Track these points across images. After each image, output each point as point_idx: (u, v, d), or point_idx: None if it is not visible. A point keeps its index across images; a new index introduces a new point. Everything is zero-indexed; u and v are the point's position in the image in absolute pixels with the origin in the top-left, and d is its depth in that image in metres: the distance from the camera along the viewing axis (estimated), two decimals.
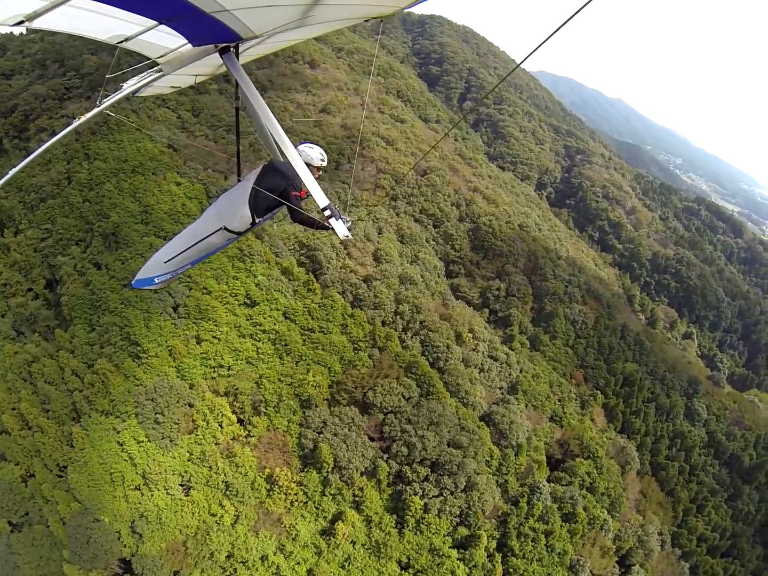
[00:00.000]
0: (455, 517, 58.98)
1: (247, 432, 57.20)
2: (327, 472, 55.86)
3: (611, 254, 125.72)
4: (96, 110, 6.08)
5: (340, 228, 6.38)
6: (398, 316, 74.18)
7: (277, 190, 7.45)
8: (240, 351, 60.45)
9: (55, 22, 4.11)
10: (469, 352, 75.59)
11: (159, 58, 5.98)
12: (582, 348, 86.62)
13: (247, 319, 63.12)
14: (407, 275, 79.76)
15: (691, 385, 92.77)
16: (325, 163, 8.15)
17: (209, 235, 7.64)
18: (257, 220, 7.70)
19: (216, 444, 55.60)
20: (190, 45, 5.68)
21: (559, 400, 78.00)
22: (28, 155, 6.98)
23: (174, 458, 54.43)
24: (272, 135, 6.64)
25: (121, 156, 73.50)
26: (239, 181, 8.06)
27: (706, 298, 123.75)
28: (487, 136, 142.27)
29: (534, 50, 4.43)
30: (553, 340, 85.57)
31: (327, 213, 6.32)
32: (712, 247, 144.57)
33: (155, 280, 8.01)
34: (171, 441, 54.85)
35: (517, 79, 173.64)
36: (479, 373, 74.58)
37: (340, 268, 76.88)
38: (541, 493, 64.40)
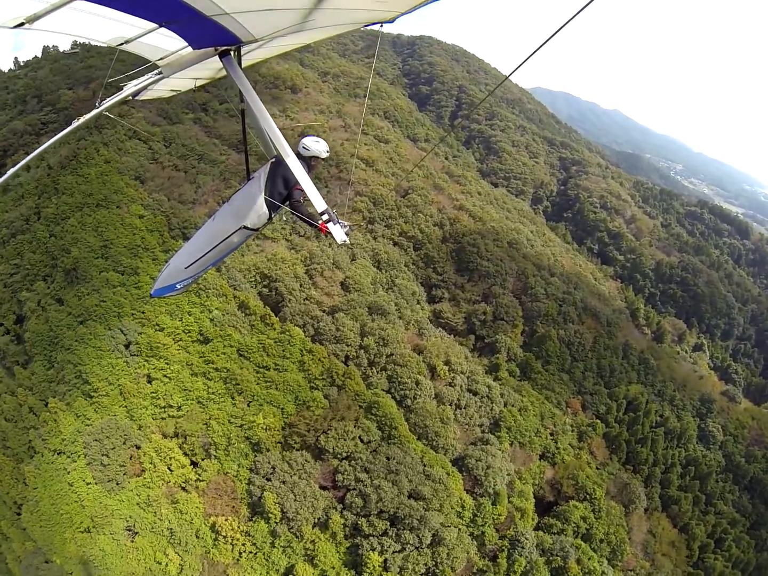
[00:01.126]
0: (420, 575, 50.33)
1: (197, 476, 51.78)
2: (275, 522, 49.32)
3: (612, 266, 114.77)
4: (95, 111, 5.92)
5: (338, 233, 6.04)
6: (363, 350, 65.48)
7: (287, 186, 7.30)
8: (191, 390, 55.11)
9: (55, 24, 3.92)
10: (443, 386, 66.07)
11: (159, 60, 5.74)
12: (579, 372, 76.26)
13: (200, 357, 57.45)
14: (377, 305, 70.63)
15: (704, 404, 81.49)
16: (328, 155, 7.84)
17: (230, 235, 7.50)
18: (273, 215, 7.48)
19: (166, 487, 50.96)
20: (190, 48, 5.44)
21: (551, 434, 67.62)
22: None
23: (121, 501, 50.34)
24: (271, 139, 6.46)
25: (87, 190, 69.33)
26: (249, 179, 7.70)
27: (716, 305, 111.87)
28: (479, 153, 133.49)
29: (523, 62, 4.46)
30: (547, 366, 75.42)
31: (325, 217, 5.98)
32: (719, 251, 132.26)
33: (177, 286, 7.98)
34: (117, 484, 50.74)
35: (509, 94, 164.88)
36: (455, 411, 64.74)
37: (304, 300, 69.14)
38: (523, 547, 54.69)
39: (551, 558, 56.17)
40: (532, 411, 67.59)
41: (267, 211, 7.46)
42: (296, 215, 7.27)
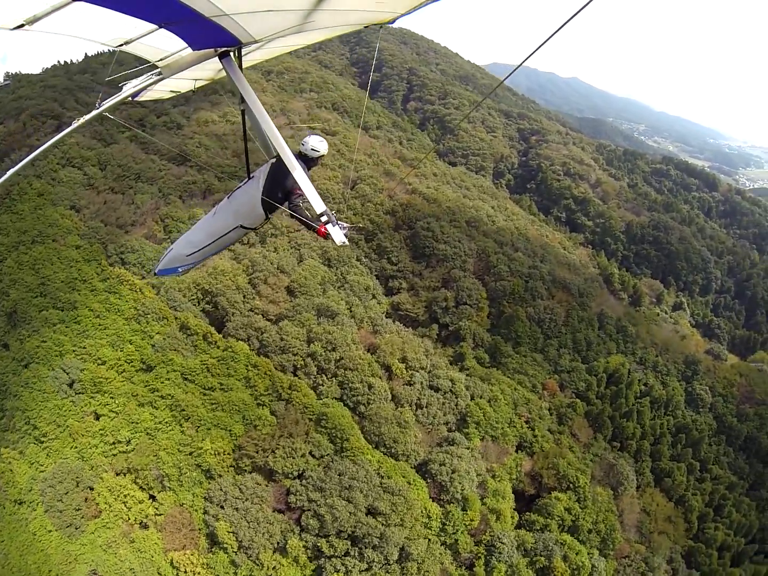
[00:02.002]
0: None
1: (155, 510, 47.91)
2: (234, 552, 44.77)
3: (582, 233, 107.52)
4: (95, 112, 5.76)
5: (337, 234, 5.72)
6: (311, 358, 58.76)
7: (285, 188, 7.05)
8: (138, 422, 51.20)
9: (55, 26, 3.82)
10: (401, 386, 59.47)
11: (159, 61, 5.59)
12: (554, 350, 69.14)
13: (145, 386, 53.09)
14: (325, 306, 63.96)
15: (689, 367, 74.72)
16: (325, 153, 7.52)
17: (228, 233, 7.56)
18: (269, 216, 7.40)
19: (126, 525, 47.37)
20: (189, 49, 5.29)
21: (527, 422, 60.51)
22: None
23: (83, 545, 46.98)
24: (270, 140, 6.24)
25: (21, 227, 64.56)
26: (249, 178, 7.59)
27: (691, 261, 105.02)
28: (435, 133, 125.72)
29: (521, 63, 4.57)
30: (518, 348, 68.26)
31: (324, 219, 5.73)
32: (689, 206, 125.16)
33: (179, 269, 8.25)
34: (76, 528, 47.38)
35: (461, 72, 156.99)
36: (416, 411, 58.10)
37: (249, 311, 62.86)
38: (500, 552, 48.34)
39: (534, 558, 49.97)
40: (503, 400, 60.56)
41: (263, 213, 7.27)
42: (295, 218, 6.96)
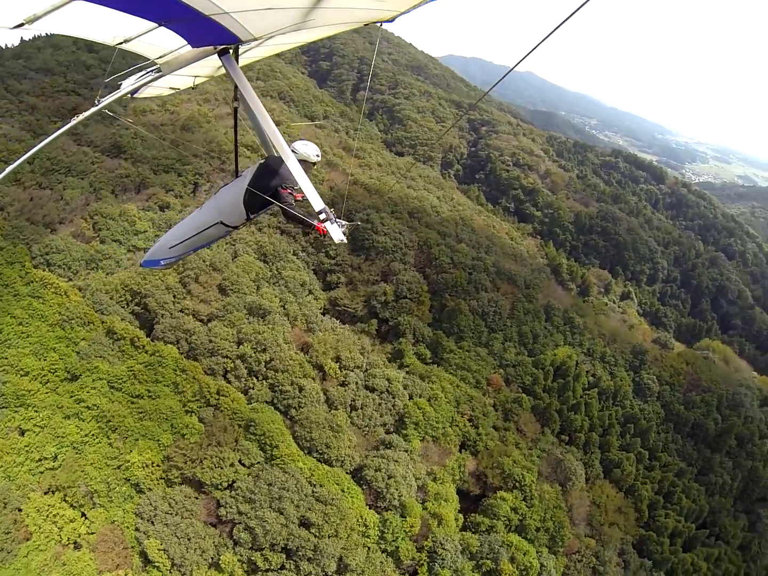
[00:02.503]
0: None
1: (86, 529, 43.99)
2: (167, 570, 41.80)
3: (530, 223, 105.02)
4: (94, 109, 5.82)
5: (336, 232, 5.63)
6: (240, 360, 54.47)
7: (270, 189, 6.86)
8: (64, 436, 47.20)
9: (55, 24, 3.87)
10: (335, 387, 55.41)
11: (158, 58, 5.58)
12: (498, 344, 65.54)
13: (70, 397, 48.94)
14: (257, 305, 59.30)
15: (636, 356, 72.44)
16: (319, 159, 7.53)
17: (207, 228, 7.40)
18: (251, 216, 7.24)
19: (59, 546, 43.08)
20: (189, 46, 5.25)
21: (471, 420, 56.91)
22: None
23: (18, 570, 42.36)
24: (269, 136, 6.03)
25: None
26: (237, 176, 7.35)
27: (638, 251, 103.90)
28: (384, 123, 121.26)
29: (519, 62, 4.34)
30: (460, 342, 64.42)
31: (322, 216, 5.62)
32: (636, 197, 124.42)
33: (161, 262, 8.00)
34: (9, 552, 42.62)
35: (413, 62, 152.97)
36: (350, 414, 54.26)
37: (179, 312, 57.99)
38: (444, 558, 45.03)
39: (481, 561, 46.90)
40: (443, 398, 56.78)
41: (244, 211, 7.15)
42: (289, 216, 6.71)
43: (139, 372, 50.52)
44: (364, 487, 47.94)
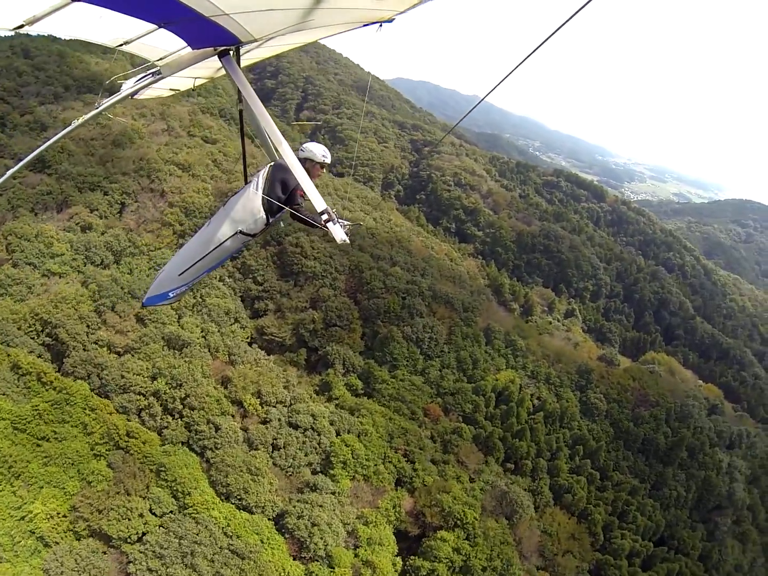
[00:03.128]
0: None
1: None
2: None
3: (472, 243, 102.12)
4: (94, 111, 5.74)
5: (338, 232, 5.18)
6: (154, 397, 48.92)
7: (287, 190, 6.34)
8: None
9: (55, 26, 3.79)
10: (256, 425, 49.88)
11: (158, 60, 5.60)
12: (435, 371, 60.70)
13: None
14: (175, 336, 53.30)
15: (582, 376, 68.84)
16: (327, 161, 6.80)
17: (225, 241, 6.47)
18: (271, 221, 6.46)
19: None
20: (189, 48, 5.18)
21: (406, 455, 51.68)
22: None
23: None
24: (270, 138, 5.88)
25: None
26: (247, 182, 6.70)
27: (581, 268, 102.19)
28: (325, 143, 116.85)
29: (499, 83, 4.52)
30: (394, 372, 59.48)
31: (324, 217, 5.20)
32: (578, 215, 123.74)
33: (170, 294, 7.04)
34: None
35: (360, 82, 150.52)
36: (272, 454, 48.62)
37: (93, 343, 52.02)
38: None
39: None
40: (374, 433, 51.43)
41: (264, 216, 6.33)
42: (298, 219, 6.38)
43: (45, 411, 44.55)
44: (287, 536, 42.31)
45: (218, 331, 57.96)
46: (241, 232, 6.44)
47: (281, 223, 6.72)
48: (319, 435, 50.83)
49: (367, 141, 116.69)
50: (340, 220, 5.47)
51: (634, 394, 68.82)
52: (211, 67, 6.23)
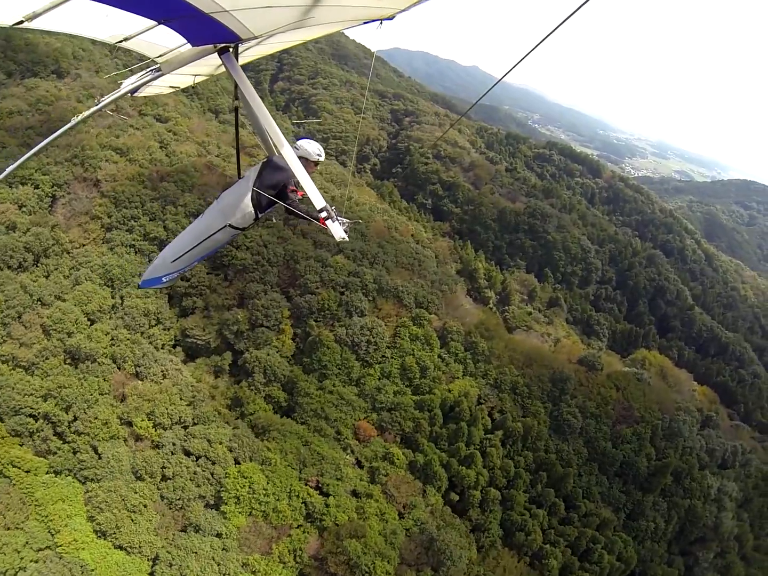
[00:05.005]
0: None
1: None
2: None
3: (448, 221, 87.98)
4: (94, 108, 5.40)
5: (337, 230, 5.02)
6: (45, 420, 41.34)
7: (277, 186, 6.06)
8: None
9: (54, 22, 3.63)
10: (146, 450, 40.01)
11: (158, 57, 5.24)
12: (373, 382, 48.10)
13: None
14: (76, 348, 43.38)
15: (556, 385, 55.55)
16: (321, 158, 6.48)
17: (214, 233, 6.37)
18: (259, 216, 6.23)
19: None
20: (189, 45, 4.87)
21: (318, 487, 39.93)
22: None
23: None
24: (269, 134, 5.49)
25: None
26: (240, 178, 6.46)
27: (570, 250, 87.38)
28: (298, 116, 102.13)
29: (514, 66, 3.70)
30: (324, 382, 47.01)
31: (323, 214, 5.02)
32: (571, 192, 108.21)
33: (163, 279, 6.98)
34: None
35: (341, 50, 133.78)
36: (159, 484, 39.09)
37: None
38: None
39: None
40: (281, 462, 39.67)
41: (252, 211, 6.12)
42: (293, 213, 5.97)
43: None
44: None
45: (128, 338, 46.62)
46: (230, 225, 6.20)
47: (273, 218, 6.55)
48: (213, 464, 39.71)
49: (342, 112, 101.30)
50: (339, 218, 5.13)
51: (616, 408, 55.49)
52: (210, 64, 5.83)
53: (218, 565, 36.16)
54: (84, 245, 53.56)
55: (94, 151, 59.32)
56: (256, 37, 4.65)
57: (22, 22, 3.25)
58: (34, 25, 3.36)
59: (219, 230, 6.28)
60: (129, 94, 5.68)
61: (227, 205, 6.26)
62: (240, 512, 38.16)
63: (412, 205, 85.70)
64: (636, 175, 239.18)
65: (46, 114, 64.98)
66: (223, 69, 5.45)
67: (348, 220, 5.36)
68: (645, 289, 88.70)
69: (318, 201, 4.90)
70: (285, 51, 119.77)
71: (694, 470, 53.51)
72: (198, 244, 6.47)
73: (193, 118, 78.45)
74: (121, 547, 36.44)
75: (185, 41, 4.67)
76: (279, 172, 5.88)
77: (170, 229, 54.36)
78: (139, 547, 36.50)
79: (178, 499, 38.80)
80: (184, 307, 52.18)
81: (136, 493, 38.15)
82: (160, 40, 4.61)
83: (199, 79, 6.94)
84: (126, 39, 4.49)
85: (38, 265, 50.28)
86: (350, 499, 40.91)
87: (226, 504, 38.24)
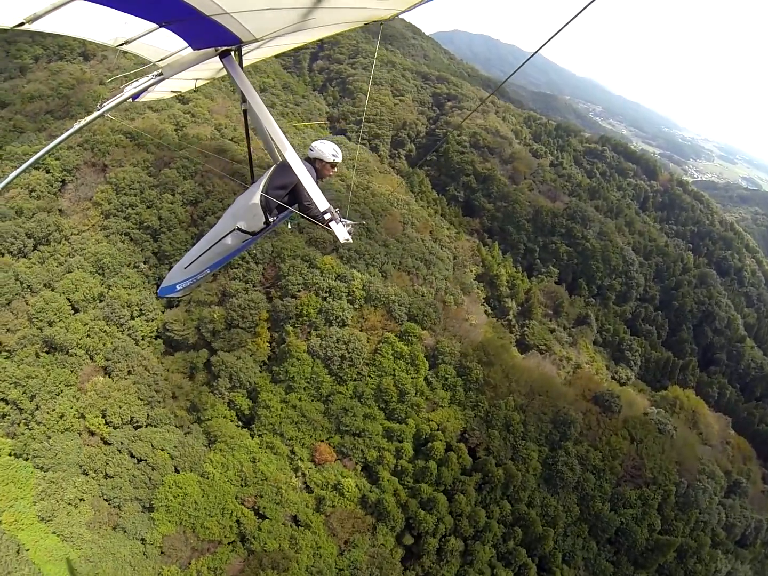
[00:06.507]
0: None
1: None
2: None
3: (479, 218, 77.68)
4: (96, 114, 5.12)
5: (341, 232, 4.77)
6: (14, 405, 38.95)
7: (287, 188, 5.75)
8: None
9: (55, 24, 3.43)
10: (94, 447, 38.09)
11: (159, 61, 5.04)
12: (343, 401, 40.72)
13: None
14: (53, 339, 40.90)
15: (557, 427, 45.90)
16: (338, 159, 5.96)
17: (224, 237, 6.05)
18: (271, 220, 5.91)
19: None
20: (190, 48, 4.69)
21: (255, 509, 34.58)
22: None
23: None
24: (272, 137, 5.22)
25: None
26: (253, 182, 6.14)
27: (610, 261, 74.66)
28: (334, 96, 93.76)
29: (544, 44, 3.60)
30: (289, 395, 40.35)
31: (327, 216, 4.76)
32: (621, 193, 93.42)
33: (177, 287, 6.65)
34: None
35: (387, 29, 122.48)
36: (101, 481, 37.05)
37: None
38: None
39: None
40: (220, 478, 34.26)
41: (262, 214, 5.79)
42: (306, 218, 5.62)
43: None
44: None
45: (104, 330, 42.82)
46: (239, 229, 5.88)
47: (288, 223, 6.27)
48: (153, 470, 35.63)
49: (380, 93, 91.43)
50: (343, 220, 4.86)
51: (625, 463, 45.14)
52: (212, 68, 5.62)
53: (133, 569, 33.34)
54: (83, 232, 49.98)
55: (104, 136, 54.79)
56: (256, 40, 4.45)
57: (23, 23, 3.08)
58: (35, 27, 3.16)
59: (228, 234, 5.92)
60: (131, 99, 5.27)
61: (238, 210, 5.93)
62: (169, 521, 34.16)
63: (442, 197, 75.89)
64: (699, 178, 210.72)
65: (66, 98, 61.43)
66: (224, 72, 5.18)
67: (351, 222, 4.99)
68: (691, 313, 74.90)
69: (321, 203, 4.66)
70: None
71: (703, 549, 42.76)
72: (209, 249, 6.08)
73: (217, 99, 72.03)
74: (56, 533, 34.91)
75: (186, 45, 4.45)
76: (289, 175, 5.18)
77: (163, 219, 49.26)
78: (71, 537, 34.62)
79: (115, 498, 36.08)
80: (171, 300, 47.28)
81: (75, 486, 35.98)
82: (161, 43, 4.32)
83: (200, 83, 6.48)
84: (127, 42, 4.17)
85: (37, 250, 47.23)
86: (287, 526, 35.10)
87: (156, 511, 34.40)
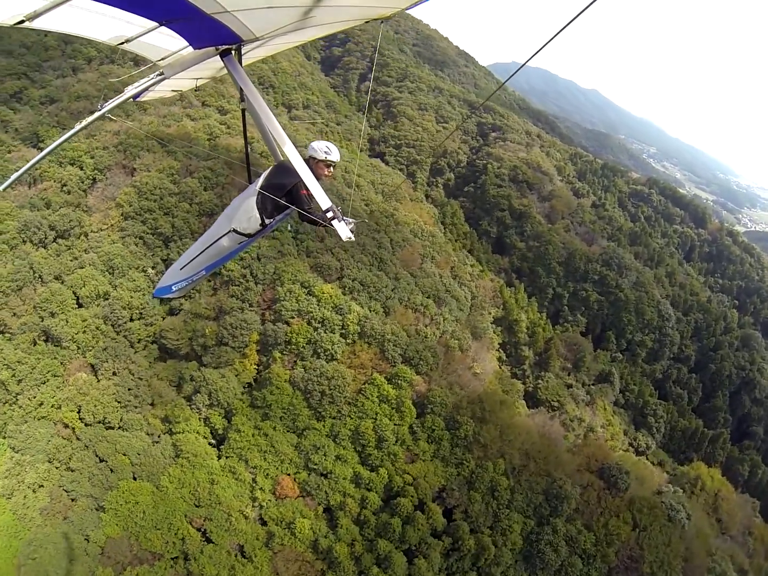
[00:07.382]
0: None
1: None
2: None
3: (509, 256, 72.70)
4: (97, 114, 4.96)
5: (343, 230, 4.46)
6: (2, 386, 38.95)
7: (284, 189, 5.31)
8: None
9: (55, 22, 3.32)
10: (65, 439, 38.62)
11: (160, 60, 4.84)
12: (318, 438, 37.36)
13: None
14: (49, 329, 41.49)
15: (549, 500, 40.29)
16: (331, 158, 5.37)
17: (219, 238, 5.70)
18: (267, 222, 5.48)
19: None
20: (191, 48, 4.50)
21: (202, 531, 32.73)
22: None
23: None
24: (273, 135, 4.98)
25: None
26: (251, 182, 5.80)
27: (643, 314, 67.20)
28: (377, 118, 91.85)
29: (529, 59, 3.57)
30: (264, 422, 37.77)
31: (329, 215, 4.47)
32: (666, 240, 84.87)
33: (172, 288, 6.27)
34: None
35: (439, 55, 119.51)
36: (64, 473, 37.31)
37: None
38: None
39: None
40: (173, 494, 32.61)
41: (258, 215, 5.41)
42: (308, 220, 5.22)
43: None
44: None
45: (99, 328, 42.51)
46: (234, 230, 5.54)
47: (289, 225, 5.92)
48: (111, 472, 34.65)
49: (423, 119, 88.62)
50: (345, 218, 4.65)
51: (621, 552, 38.87)
52: (213, 67, 5.44)
53: (69, 562, 32.59)
54: (101, 230, 50.42)
55: (137, 140, 55.21)
56: (257, 39, 4.34)
57: (23, 21, 2.99)
58: (35, 24, 3.07)
59: (223, 235, 5.63)
60: (132, 99, 5.15)
61: (234, 211, 5.62)
62: (116, 524, 33.44)
63: (473, 231, 71.63)
64: (753, 228, 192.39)
65: (106, 100, 62.78)
66: (225, 71, 4.99)
67: (353, 220, 4.96)
68: (729, 378, 65.99)
69: (323, 201, 4.41)
70: (377, 51, 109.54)
71: None
72: (204, 251, 5.83)
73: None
74: (11, 511, 34.73)
75: (187, 44, 4.32)
76: (287, 174, 5.04)
77: (176, 227, 48.66)
78: (24, 518, 34.56)
79: (73, 491, 35.66)
80: (172, 306, 46.49)
81: (37, 473, 35.84)
82: (161, 42, 4.18)
83: (201, 83, 6.20)
84: (127, 41, 3.97)
85: (56, 242, 47.98)
86: (231, 555, 32.63)
87: (105, 512, 33.99)
